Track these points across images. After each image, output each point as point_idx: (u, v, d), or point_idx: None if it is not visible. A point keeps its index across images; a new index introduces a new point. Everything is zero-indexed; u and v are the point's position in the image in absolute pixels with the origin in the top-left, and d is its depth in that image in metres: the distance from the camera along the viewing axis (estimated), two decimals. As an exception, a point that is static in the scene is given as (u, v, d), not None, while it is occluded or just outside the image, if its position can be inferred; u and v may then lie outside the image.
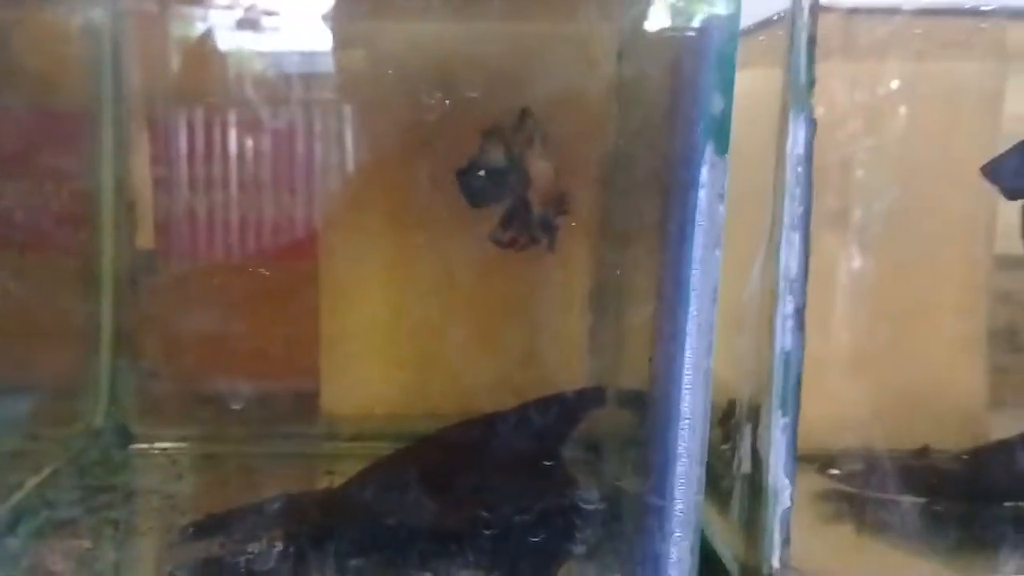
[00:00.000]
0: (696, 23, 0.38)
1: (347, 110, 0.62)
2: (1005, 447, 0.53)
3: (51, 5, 0.58)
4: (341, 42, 0.60)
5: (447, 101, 0.54)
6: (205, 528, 0.44)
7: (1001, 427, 0.60)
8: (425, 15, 0.53)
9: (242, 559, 0.39)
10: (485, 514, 0.41)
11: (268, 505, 0.44)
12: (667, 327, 0.39)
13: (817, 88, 0.39)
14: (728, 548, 0.46)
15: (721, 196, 0.38)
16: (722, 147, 0.38)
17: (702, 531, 0.48)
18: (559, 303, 0.62)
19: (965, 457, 0.55)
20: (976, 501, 0.50)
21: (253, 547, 0.40)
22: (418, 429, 0.58)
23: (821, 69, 0.40)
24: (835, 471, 0.54)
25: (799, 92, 0.38)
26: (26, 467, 0.51)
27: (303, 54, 0.60)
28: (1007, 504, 0.50)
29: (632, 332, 0.54)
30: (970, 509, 0.50)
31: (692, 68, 0.38)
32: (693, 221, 0.38)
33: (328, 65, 0.61)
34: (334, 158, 0.63)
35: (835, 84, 0.56)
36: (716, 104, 0.37)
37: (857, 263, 0.64)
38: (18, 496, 0.48)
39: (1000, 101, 0.61)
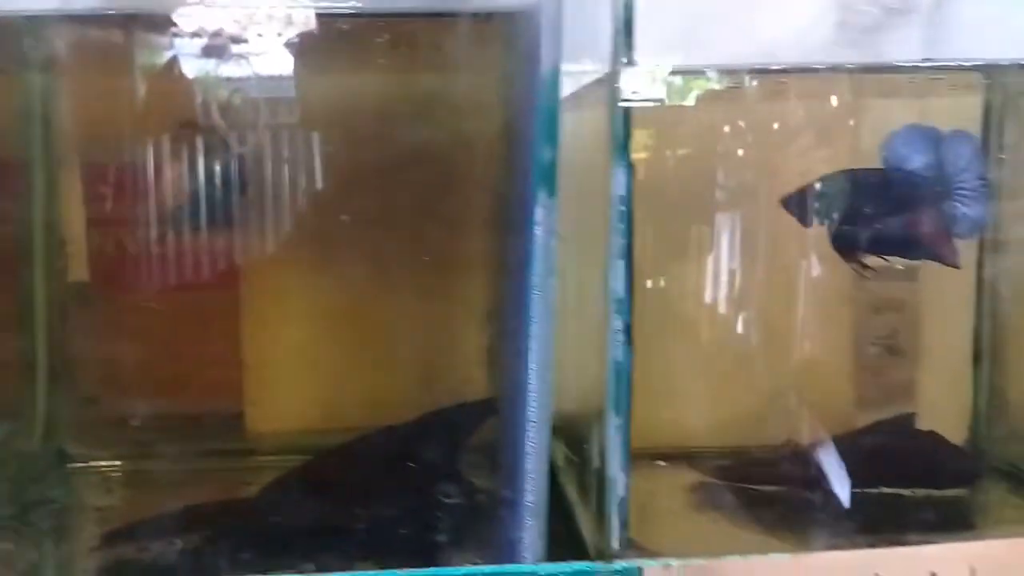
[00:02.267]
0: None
1: (264, 152, 0.68)
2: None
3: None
4: (258, 88, 0.65)
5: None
6: (121, 534, 0.50)
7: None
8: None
9: (147, 557, 0.45)
10: (359, 511, 0.48)
11: (177, 513, 0.50)
12: (513, 344, 0.46)
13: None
14: (588, 534, 0.53)
15: (552, 232, 0.45)
16: (551, 190, 0.44)
17: (573, 519, 0.55)
18: (460, 325, 0.68)
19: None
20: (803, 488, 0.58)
21: (155, 546, 0.46)
22: (334, 442, 0.64)
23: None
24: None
25: (619, 144, 0.45)
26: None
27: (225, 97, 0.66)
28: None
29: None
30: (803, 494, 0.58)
31: (524, 122, 0.44)
32: (531, 253, 0.45)
33: (249, 108, 0.67)
34: (254, 195, 0.69)
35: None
36: (546, 154, 0.44)
37: (735, 275, 0.71)
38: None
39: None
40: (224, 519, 0.52)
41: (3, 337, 0.64)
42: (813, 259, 0.67)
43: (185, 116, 0.66)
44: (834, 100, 0.68)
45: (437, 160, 0.56)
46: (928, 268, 0.67)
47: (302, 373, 0.70)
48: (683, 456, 0.68)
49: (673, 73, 0.45)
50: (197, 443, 0.66)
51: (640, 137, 0.64)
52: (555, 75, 0.43)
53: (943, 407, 0.73)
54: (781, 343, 0.72)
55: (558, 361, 0.65)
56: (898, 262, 0.60)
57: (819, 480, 0.61)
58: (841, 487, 0.58)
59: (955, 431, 0.72)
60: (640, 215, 0.48)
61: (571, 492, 0.60)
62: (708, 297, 0.72)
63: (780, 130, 0.68)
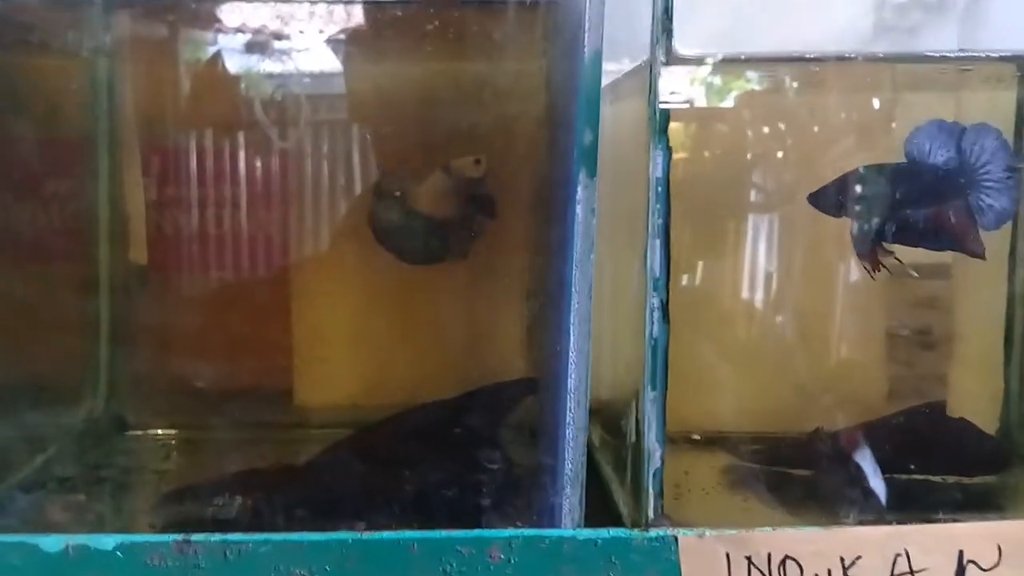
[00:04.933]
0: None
1: (315, 140, 0.71)
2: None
3: (51, 45, 0.67)
4: (311, 78, 0.68)
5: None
6: (182, 493, 0.53)
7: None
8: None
9: (209, 511, 0.48)
10: (406, 476, 0.50)
11: (234, 475, 0.53)
12: (553, 319, 0.48)
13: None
14: (624, 506, 0.55)
15: (593, 210, 0.47)
16: (592, 171, 0.46)
17: (609, 495, 0.57)
18: (501, 303, 0.71)
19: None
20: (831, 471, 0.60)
21: (217, 500, 0.49)
22: (377, 418, 0.67)
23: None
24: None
25: (657, 127, 0.47)
26: (36, 448, 0.60)
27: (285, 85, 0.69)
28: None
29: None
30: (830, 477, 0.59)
31: (566, 106, 0.47)
32: (572, 231, 0.47)
33: (305, 96, 0.70)
34: (306, 180, 0.72)
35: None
36: (587, 136, 0.46)
37: (771, 269, 0.73)
38: (30, 469, 0.58)
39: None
40: (278, 482, 0.54)
41: (71, 308, 0.67)
42: (850, 254, 0.68)
43: (242, 109, 0.69)
44: (869, 94, 0.70)
45: (481, 143, 0.58)
46: (961, 265, 0.68)
47: (348, 351, 0.73)
48: (716, 440, 0.70)
49: (720, 63, 0.46)
50: (247, 415, 0.70)
51: (678, 133, 0.66)
52: (597, 60, 0.45)
53: (975, 397, 0.73)
54: (816, 336, 0.73)
55: (594, 348, 0.68)
56: (913, 267, 0.61)
57: (849, 465, 0.62)
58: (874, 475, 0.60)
59: (986, 421, 0.73)
60: (678, 208, 0.50)
61: (607, 470, 0.62)
62: (747, 290, 0.73)
63: (816, 125, 0.69)
